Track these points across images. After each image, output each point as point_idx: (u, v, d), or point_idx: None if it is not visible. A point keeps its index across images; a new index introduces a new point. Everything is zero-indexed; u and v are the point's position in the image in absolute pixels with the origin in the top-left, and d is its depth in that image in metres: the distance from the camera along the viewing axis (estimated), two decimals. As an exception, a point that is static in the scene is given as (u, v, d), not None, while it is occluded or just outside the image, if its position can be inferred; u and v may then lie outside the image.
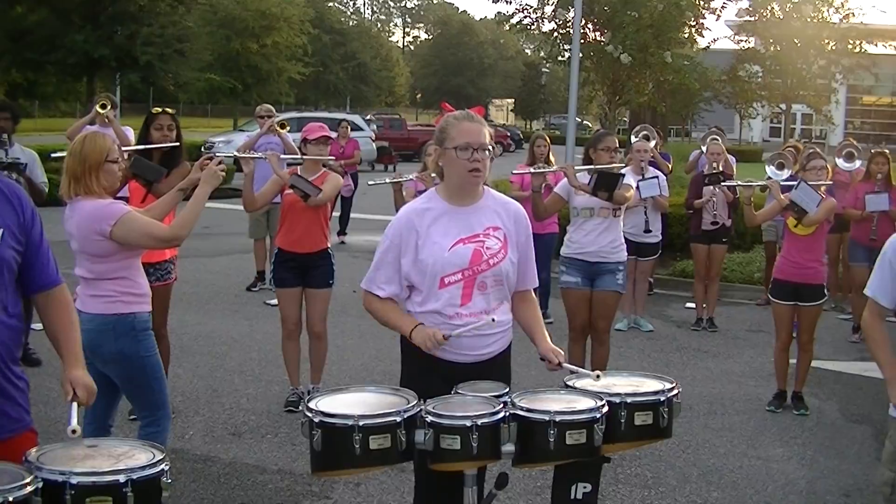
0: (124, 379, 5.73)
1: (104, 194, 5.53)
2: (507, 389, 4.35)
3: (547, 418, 4.05)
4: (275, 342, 10.06)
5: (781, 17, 42.19)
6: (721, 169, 11.71)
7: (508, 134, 59.31)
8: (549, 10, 24.60)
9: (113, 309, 5.61)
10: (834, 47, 42.79)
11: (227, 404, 8.52)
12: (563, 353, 4.75)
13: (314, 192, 7.94)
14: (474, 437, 3.94)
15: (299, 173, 8.19)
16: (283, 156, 9.37)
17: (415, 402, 4.08)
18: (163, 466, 3.45)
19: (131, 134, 12.05)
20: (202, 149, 35.11)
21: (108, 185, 5.56)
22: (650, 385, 4.55)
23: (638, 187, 9.82)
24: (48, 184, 9.46)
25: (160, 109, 8.03)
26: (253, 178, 8.20)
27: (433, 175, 8.18)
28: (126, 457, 3.50)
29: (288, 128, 13.38)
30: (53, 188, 7.88)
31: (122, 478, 3.32)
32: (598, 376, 4.61)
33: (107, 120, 11.78)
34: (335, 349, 8.70)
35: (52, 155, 9.15)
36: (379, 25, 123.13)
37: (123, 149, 8.04)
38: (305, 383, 8.52)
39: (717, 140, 12.83)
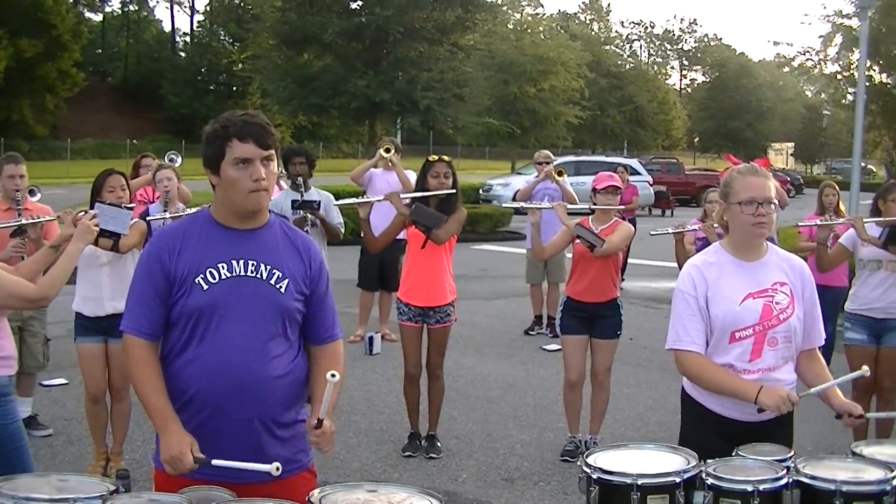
0: None
1: None
2: (791, 454, 4.19)
3: (833, 487, 3.84)
4: (549, 388, 10.09)
5: None
6: None
7: (788, 179, 57.65)
8: (832, 51, 24.00)
9: None
10: None
11: (500, 449, 8.54)
12: (859, 406, 4.56)
13: (598, 242, 7.90)
14: (755, 502, 3.79)
15: (589, 223, 8.19)
16: (569, 205, 9.37)
17: (694, 462, 3.97)
18: (439, 515, 3.47)
19: (414, 178, 12.34)
20: (480, 191, 35.74)
21: None
22: (947, 455, 4.26)
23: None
24: (344, 225, 9.77)
25: (436, 157, 8.22)
26: (539, 228, 8.31)
27: (714, 225, 8.06)
28: (404, 504, 3.54)
29: (566, 175, 13.37)
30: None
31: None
32: None
33: (390, 164, 12.08)
34: (610, 398, 8.62)
35: (333, 203, 9.48)
36: (655, 68, 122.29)
37: (402, 195, 8.29)
38: (582, 433, 8.46)
39: None
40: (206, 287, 3.77)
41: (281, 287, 3.82)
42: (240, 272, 3.79)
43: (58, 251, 5.68)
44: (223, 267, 3.79)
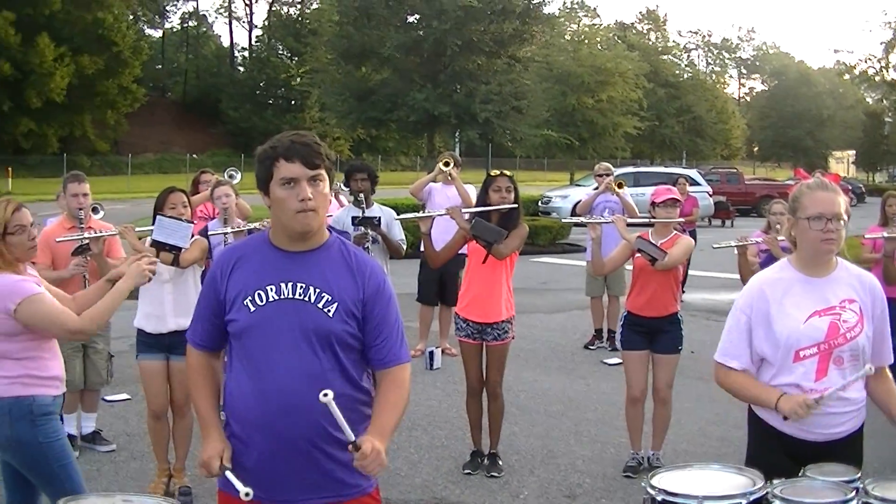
0: (24, 467, 5.22)
1: (16, 267, 5.17)
2: (859, 475, 4.11)
3: (905, 511, 3.79)
4: (611, 402, 10.01)
5: None
6: None
7: (850, 187, 56.89)
8: (893, 58, 23.72)
9: (9, 391, 5.12)
10: None
11: (562, 465, 8.47)
12: None
13: (660, 255, 7.84)
14: (824, 524, 3.74)
15: (649, 236, 8.13)
16: (629, 219, 9.29)
17: (761, 483, 3.91)
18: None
19: (474, 193, 12.32)
20: (539, 203, 35.64)
21: (19, 256, 5.20)
22: None
23: None
24: (405, 241, 9.76)
25: (498, 172, 8.17)
26: (600, 243, 8.26)
27: (780, 237, 7.96)
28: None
29: (625, 187, 13.29)
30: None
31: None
32: None
33: (449, 178, 12.04)
34: (672, 412, 8.53)
35: (395, 218, 9.47)
36: (713, 77, 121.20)
37: (463, 210, 8.25)
38: (644, 448, 8.38)
39: None
40: (252, 309, 3.76)
41: (329, 311, 3.76)
42: (287, 295, 3.77)
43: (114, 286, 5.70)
44: (272, 289, 3.77)
